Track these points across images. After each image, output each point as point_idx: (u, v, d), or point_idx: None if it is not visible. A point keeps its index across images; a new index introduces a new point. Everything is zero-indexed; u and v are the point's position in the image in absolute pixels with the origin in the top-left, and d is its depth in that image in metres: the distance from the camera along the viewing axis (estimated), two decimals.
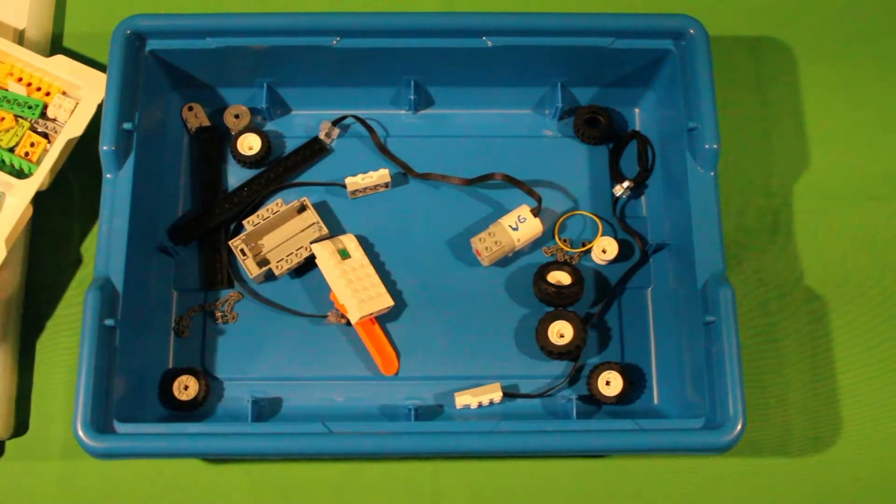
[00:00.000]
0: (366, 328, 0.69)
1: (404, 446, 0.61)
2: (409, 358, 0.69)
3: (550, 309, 0.70)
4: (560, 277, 0.69)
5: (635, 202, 0.74)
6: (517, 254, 0.72)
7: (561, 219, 0.73)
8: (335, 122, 0.73)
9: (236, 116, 0.74)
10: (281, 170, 0.73)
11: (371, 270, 0.70)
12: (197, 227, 0.71)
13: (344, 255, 0.69)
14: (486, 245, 0.69)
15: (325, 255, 0.68)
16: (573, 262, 0.72)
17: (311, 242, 0.69)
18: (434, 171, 0.73)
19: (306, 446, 0.61)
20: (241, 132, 0.72)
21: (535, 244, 0.73)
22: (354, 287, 0.68)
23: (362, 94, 0.74)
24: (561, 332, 0.68)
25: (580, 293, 0.69)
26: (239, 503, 0.68)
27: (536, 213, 0.70)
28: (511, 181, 0.71)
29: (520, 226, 0.69)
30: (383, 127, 0.75)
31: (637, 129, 0.75)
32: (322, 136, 0.73)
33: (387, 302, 0.69)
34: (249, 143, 0.72)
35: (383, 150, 0.73)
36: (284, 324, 0.70)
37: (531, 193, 0.70)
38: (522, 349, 0.70)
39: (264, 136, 0.72)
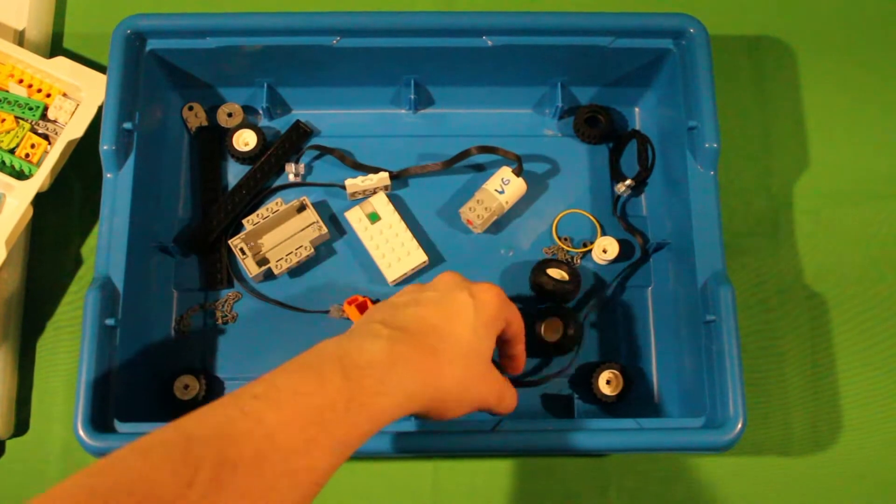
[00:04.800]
0: None
1: (404, 445, 0.61)
2: None
3: (547, 305, 0.70)
4: (558, 273, 0.69)
5: (636, 202, 0.74)
6: (517, 254, 0.72)
7: (558, 217, 0.73)
8: (297, 160, 0.73)
9: (229, 115, 0.74)
10: (273, 160, 0.73)
11: (402, 228, 0.71)
12: (207, 235, 0.71)
13: (374, 218, 0.70)
14: (477, 213, 0.70)
15: (354, 221, 0.69)
16: (574, 263, 0.72)
17: (346, 212, 0.72)
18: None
19: None
20: (235, 129, 0.73)
21: (536, 245, 0.73)
22: (384, 250, 0.70)
23: (362, 94, 0.74)
24: (556, 327, 0.68)
25: (576, 291, 0.69)
26: None
27: (519, 172, 0.70)
28: (487, 150, 0.72)
29: (505, 188, 0.70)
30: (383, 126, 0.75)
31: (637, 128, 0.75)
32: (291, 176, 0.73)
33: (420, 258, 0.70)
34: (245, 140, 0.73)
35: (356, 165, 0.73)
36: (285, 323, 0.70)
37: (510, 156, 0.71)
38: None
39: (260, 132, 0.73)
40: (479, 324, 0.54)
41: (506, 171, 0.71)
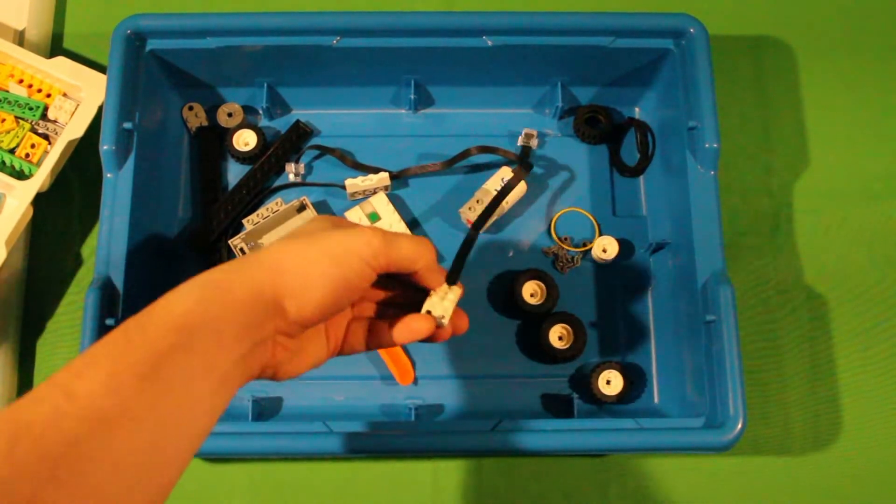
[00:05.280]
0: None
1: (404, 446, 0.61)
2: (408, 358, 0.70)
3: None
4: (530, 293, 0.69)
5: (636, 201, 0.74)
6: (517, 255, 0.72)
7: (556, 216, 0.73)
8: (297, 160, 0.73)
9: (229, 115, 0.74)
10: (273, 160, 0.73)
11: (402, 228, 0.71)
12: (207, 235, 0.71)
13: (374, 218, 0.71)
14: (477, 213, 0.69)
15: (354, 221, 0.70)
16: (574, 263, 0.72)
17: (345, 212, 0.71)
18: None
19: (307, 446, 0.61)
20: (235, 129, 0.73)
21: (536, 245, 0.73)
22: None
23: (362, 94, 0.74)
24: (560, 335, 0.68)
25: (552, 308, 0.69)
26: (239, 503, 0.68)
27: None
28: (487, 150, 0.72)
29: None
30: (383, 126, 0.75)
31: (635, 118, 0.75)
32: (291, 176, 0.73)
33: None
34: (245, 140, 0.73)
35: (356, 165, 0.73)
36: None
37: (510, 156, 0.72)
38: (524, 349, 0.70)
39: (260, 132, 0.73)
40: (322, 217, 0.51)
41: (506, 171, 0.71)
